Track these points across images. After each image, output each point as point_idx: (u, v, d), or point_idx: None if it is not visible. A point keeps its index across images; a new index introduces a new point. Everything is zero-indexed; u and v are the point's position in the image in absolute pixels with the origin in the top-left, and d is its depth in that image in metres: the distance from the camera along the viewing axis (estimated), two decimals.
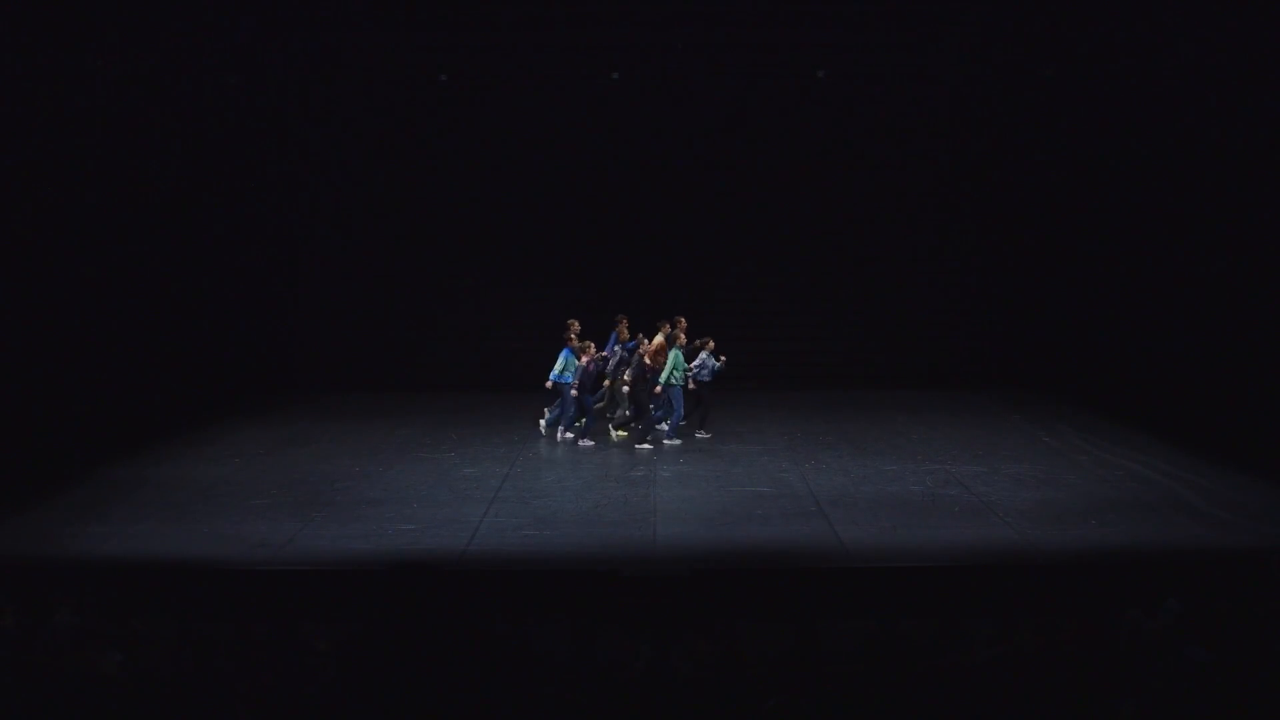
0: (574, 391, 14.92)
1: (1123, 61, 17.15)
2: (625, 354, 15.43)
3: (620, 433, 15.33)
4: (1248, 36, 14.20)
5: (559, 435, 15.19)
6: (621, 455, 14.63)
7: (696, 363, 15.14)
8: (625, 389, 15.06)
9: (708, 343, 15.25)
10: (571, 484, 13.27)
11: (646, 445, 14.81)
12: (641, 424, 14.97)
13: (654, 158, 19.41)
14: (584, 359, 14.84)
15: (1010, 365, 19.39)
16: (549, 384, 14.97)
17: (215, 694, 5.88)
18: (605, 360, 15.34)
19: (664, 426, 15.23)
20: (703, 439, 15.31)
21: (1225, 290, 14.93)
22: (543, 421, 15.58)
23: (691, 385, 15.10)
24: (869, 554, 10.69)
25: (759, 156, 19.50)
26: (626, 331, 15.62)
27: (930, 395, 18.45)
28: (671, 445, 14.94)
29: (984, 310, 19.77)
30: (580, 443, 14.96)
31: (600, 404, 15.65)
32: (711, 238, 19.61)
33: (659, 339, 15.06)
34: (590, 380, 15.04)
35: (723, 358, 15.24)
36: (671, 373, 14.75)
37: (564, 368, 14.87)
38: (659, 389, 14.86)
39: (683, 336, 15.02)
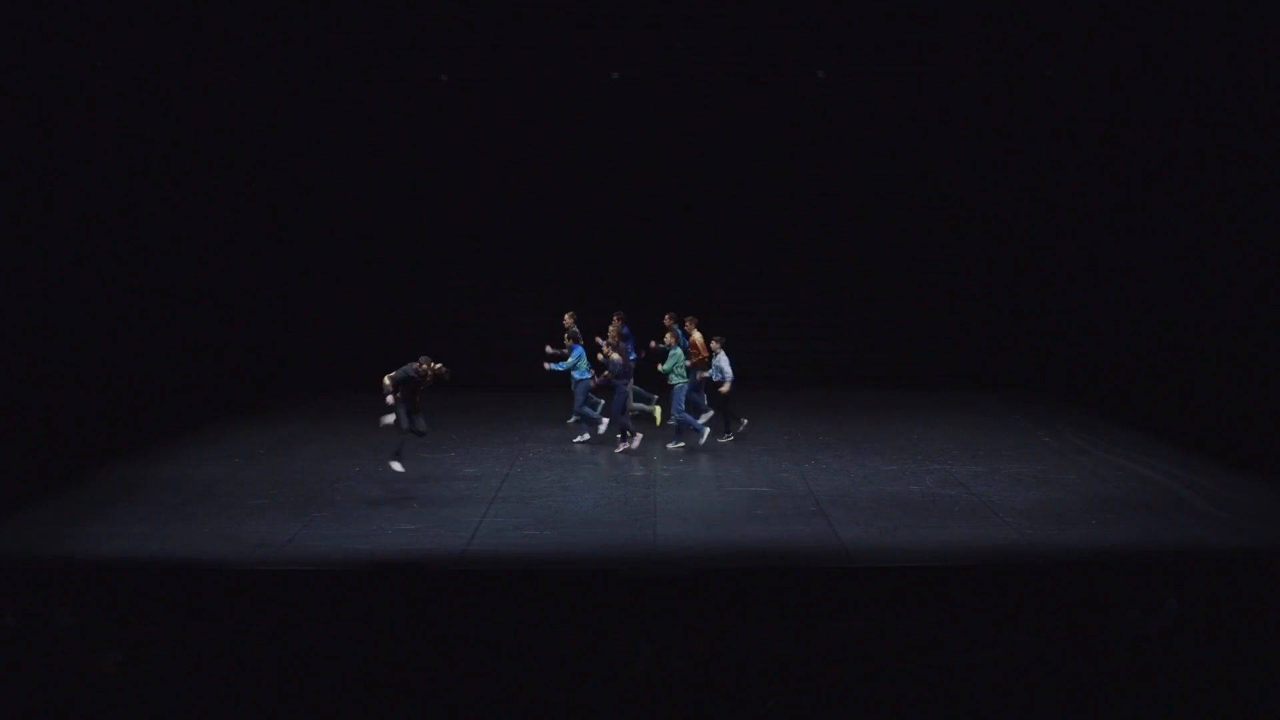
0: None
1: (1122, 63, 17.15)
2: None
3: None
4: (1247, 37, 14.20)
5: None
6: (622, 455, 14.63)
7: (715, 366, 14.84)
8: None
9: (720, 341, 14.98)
10: (571, 484, 13.28)
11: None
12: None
13: (654, 157, 19.40)
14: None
15: (1010, 365, 19.38)
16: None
17: (215, 694, 5.87)
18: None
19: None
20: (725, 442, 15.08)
21: (1225, 291, 14.93)
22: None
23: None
24: (869, 554, 10.69)
25: (759, 156, 19.50)
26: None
27: (930, 395, 18.45)
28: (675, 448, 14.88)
29: (984, 310, 19.76)
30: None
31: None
32: (711, 238, 19.61)
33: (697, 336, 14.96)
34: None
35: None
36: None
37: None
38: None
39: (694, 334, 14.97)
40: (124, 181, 16.19)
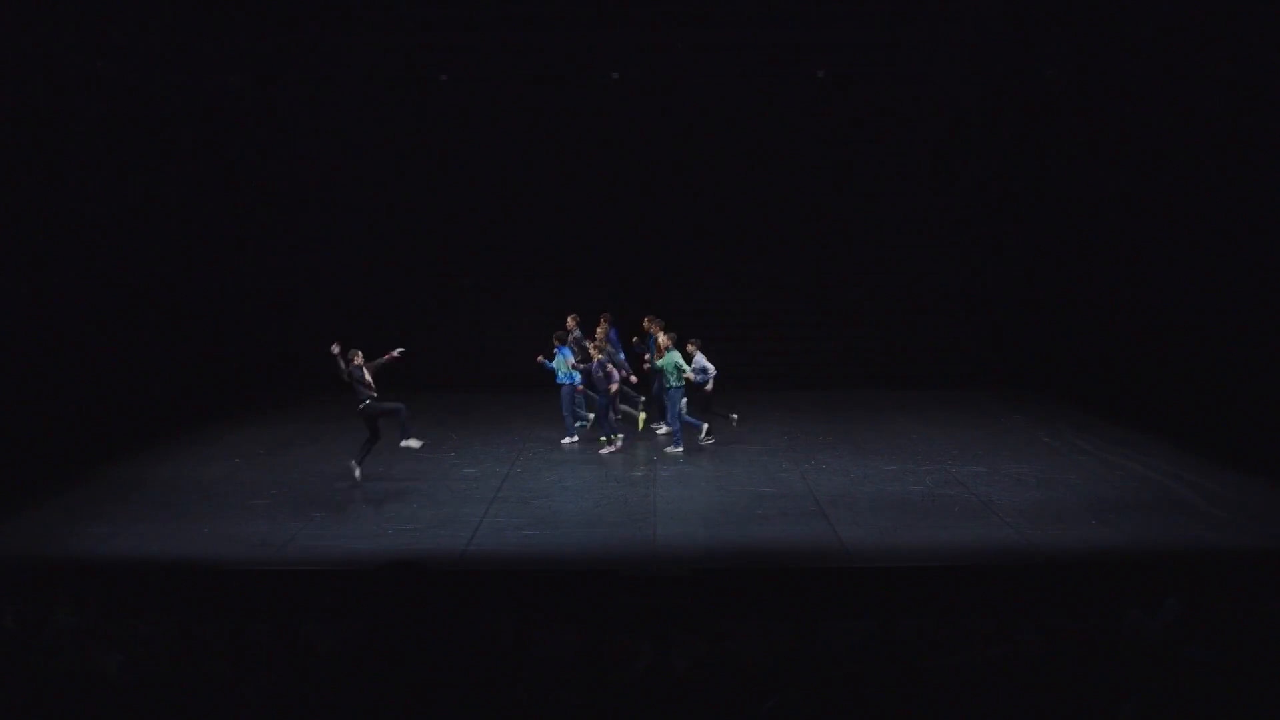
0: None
1: (1122, 62, 17.15)
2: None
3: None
4: (1246, 37, 14.20)
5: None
6: (621, 455, 14.63)
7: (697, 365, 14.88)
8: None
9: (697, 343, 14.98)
10: (571, 484, 13.28)
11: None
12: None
13: (654, 157, 19.40)
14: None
15: (1010, 365, 19.38)
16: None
17: (215, 694, 5.87)
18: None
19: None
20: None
21: (1225, 290, 14.93)
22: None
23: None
24: (869, 554, 10.69)
25: (759, 156, 19.49)
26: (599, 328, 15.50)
27: (930, 395, 18.45)
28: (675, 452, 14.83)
29: (984, 310, 19.75)
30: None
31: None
32: (712, 238, 19.59)
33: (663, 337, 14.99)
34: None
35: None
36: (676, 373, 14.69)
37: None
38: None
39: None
40: (124, 182, 16.19)
